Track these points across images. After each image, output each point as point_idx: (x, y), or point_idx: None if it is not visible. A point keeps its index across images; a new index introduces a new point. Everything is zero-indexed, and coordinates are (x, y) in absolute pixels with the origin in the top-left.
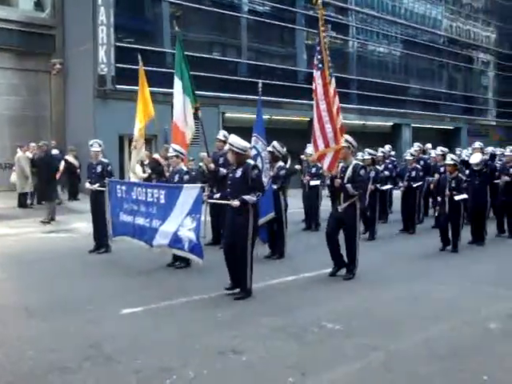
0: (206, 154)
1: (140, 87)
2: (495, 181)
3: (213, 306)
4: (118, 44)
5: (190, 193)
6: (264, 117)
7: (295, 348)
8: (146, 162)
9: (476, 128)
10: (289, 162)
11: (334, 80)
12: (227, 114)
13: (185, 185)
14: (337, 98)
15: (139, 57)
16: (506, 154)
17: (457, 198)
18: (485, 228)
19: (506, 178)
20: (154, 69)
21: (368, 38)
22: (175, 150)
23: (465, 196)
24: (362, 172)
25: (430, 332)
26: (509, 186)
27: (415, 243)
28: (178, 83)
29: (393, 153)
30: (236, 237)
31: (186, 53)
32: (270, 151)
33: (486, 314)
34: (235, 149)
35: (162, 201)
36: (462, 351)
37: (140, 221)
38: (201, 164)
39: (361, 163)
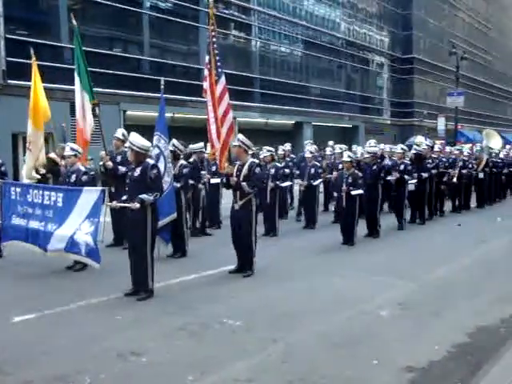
0: (104, 152)
1: (33, 83)
2: (387, 178)
3: (112, 308)
4: (9, 36)
5: (89, 196)
6: (167, 115)
7: (196, 346)
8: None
9: (372, 126)
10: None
11: (223, 78)
12: (129, 112)
13: (84, 187)
14: (226, 96)
15: (31, 51)
16: (396, 151)
17: (353, 192)
18: (378, 221)
19: (397, 175)
20: (51, 64)
21: (270, 38)
22: (72, 149)
23: (361, 191)
24: (258, 170)
25: (327, 322)
26: (399, 182)
27: (315, 238)
28: (77, 79)
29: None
30: (135, 237)
31: (85, 48)
32: (170, 150)
33: (379, 303)
34: (135, 147)
35: (60, 204)
36: (355, 339)
37: (34, 224)
38: (101, 163)
39: (256, 161)
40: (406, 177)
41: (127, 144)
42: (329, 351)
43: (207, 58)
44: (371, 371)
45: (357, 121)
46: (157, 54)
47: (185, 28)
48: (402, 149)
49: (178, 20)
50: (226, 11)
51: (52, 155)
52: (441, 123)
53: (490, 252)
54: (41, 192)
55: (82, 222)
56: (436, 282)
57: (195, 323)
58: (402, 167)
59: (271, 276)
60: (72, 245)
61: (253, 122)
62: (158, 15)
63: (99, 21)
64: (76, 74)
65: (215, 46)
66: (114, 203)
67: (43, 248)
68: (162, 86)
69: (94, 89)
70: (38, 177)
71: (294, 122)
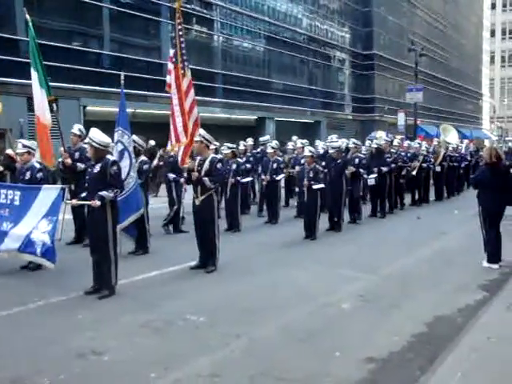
0: (62, 149)
1: None
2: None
3: (72, 307)
4: None
5: (48, 194)
6: (128, 110)
7: (159, 343)
8: None
9: (334, 122)
10: (158, 156)
11: (189, 73)
12: (89, 108)
13: (44, 185)
14: (192, 91)
15: None
16: (349, 146)
17: (314, 186)
18: (342, 215)
19: (352, 168)
20: (6, 57)
21: (232, 33)
22: (25, 146)
23: (321, 185)
24: (219, 165)
25: (290, 316)
26: (354, 177)
27: (278, 233)
28: (34, 74)
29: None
30: (96, 235)
31: (43, 42)
32: None
33: (340, 296)
34: (94, 144)
35: (17, 202)
36: (317, 332)
37: None
38: (60, 159)
39: (218, 156)
40: (361, 170)
41: (87, 140)
42: (291, 345)
43: (172, 51)
44: (333, 363)
45: (319, 116)
46: (117, 48)
47: (146, 22)
48: (354, 143)
49: (139, 14)
50: (188, 6)
51: (9, 151)
52: (401, 118)
53: (449, 244)
54: None
55: (40, 220)
56: (396, 274)
57: (158, 320)
58: (356, 161)
59: (234, 271)
60: (27, 245)
61: (215, 117)
62: (119, 9)
63: (58, 13)
64: (33, 70)
65: (182, 39)
66: (74, 201)
67: None
68: (122, 81)
69: (53, 83)
70: None
71: (256, 117)
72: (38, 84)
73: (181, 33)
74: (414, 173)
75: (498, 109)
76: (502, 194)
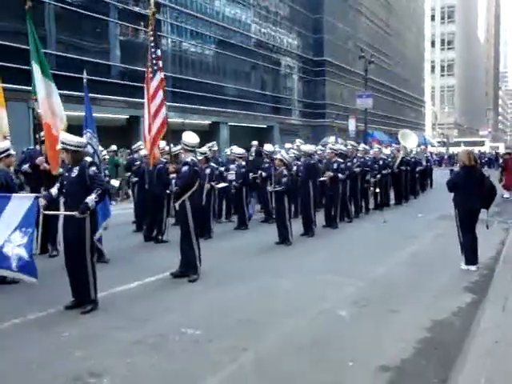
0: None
1: None
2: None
3: (54, 324)
4: None
5: (20, 203)
6: (76, 113)
7: (159, 361)
8: None
9: (286, 127)
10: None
11: (158, 76)
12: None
13: (14, 194)
14: (160, 92)
15: None
16: (326, 151)
17: (269, 188)
18: (313, 220)
19: (330, 174)
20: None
21: (183, 37)
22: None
23: (277, 188)
24: (184, 169)
25: (289, 326)
26: (333, 182)
27: (250, 239)
28: (36, 67)
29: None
30: (72, 243)
31: None
32: None
33: (334, 303)
34: (72, 147)
35: None
36: (321, 341)
37: None
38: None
39: (189, 160)
40: (339, 175)
41: (59, 146)
42: (300, 356)
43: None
44: (348, 373)
45: (271, 121)
46: (63, 48)
47: (94, 23)
48: (331, 149)
49: (87, 13)
50: (137, 7)
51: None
52: (351, 124)
53: (423, 247)
54: None
55: (12, 232)
56: (381, 279)
57: (152, 336)
58: (335, 166)
59: (217, 279)
60: (1, 259)
61: (169, 121)
62: (65, 7)
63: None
64: (34, 62)
65: (152, 45)
66: (54, 212)
67: None
68: (85, 80)
69: (3, 84)
70: None
71: (210, 122)
72: (41, 77)
73: (151, 38)
74: (378, 190)
75: (439, 116)
76: (477, 197)
